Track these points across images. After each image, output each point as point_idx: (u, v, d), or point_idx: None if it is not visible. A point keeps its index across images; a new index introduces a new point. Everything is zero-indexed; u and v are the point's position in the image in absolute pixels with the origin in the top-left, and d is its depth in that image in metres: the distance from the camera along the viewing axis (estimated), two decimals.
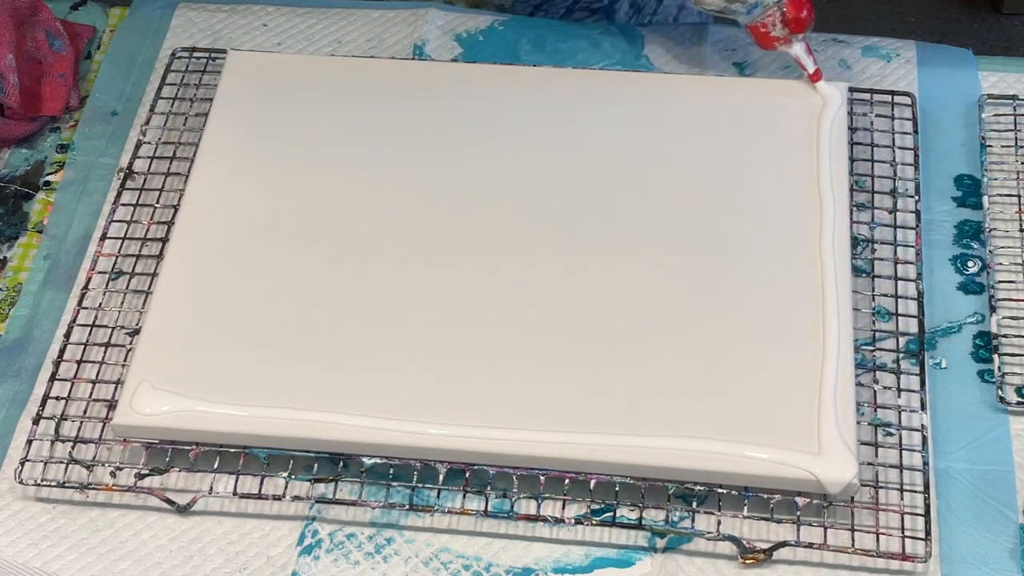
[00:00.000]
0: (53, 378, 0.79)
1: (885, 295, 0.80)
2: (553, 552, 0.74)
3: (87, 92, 0.95)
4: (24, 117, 0.91)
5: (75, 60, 0.94)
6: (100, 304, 0.82)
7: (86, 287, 0.82)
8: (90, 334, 0.81)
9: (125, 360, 0.79)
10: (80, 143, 0.92)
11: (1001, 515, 0.74)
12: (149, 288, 0.82)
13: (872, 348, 0.78)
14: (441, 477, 0.74)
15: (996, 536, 0.73)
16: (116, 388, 0.78)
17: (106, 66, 0.96)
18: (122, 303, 0.82)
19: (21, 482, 0.75)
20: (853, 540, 0.72)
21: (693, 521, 0.73)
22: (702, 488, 0.73)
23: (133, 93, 0.94)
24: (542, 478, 0.74)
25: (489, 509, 0.73)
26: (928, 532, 0.71)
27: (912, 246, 0.82)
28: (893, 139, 0.87)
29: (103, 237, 0.84)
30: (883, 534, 0.72)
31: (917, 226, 0.83)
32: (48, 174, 0.91)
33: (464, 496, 0.74)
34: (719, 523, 0.73)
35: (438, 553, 0.74)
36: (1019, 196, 0.84)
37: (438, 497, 0.74)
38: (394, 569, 0.73)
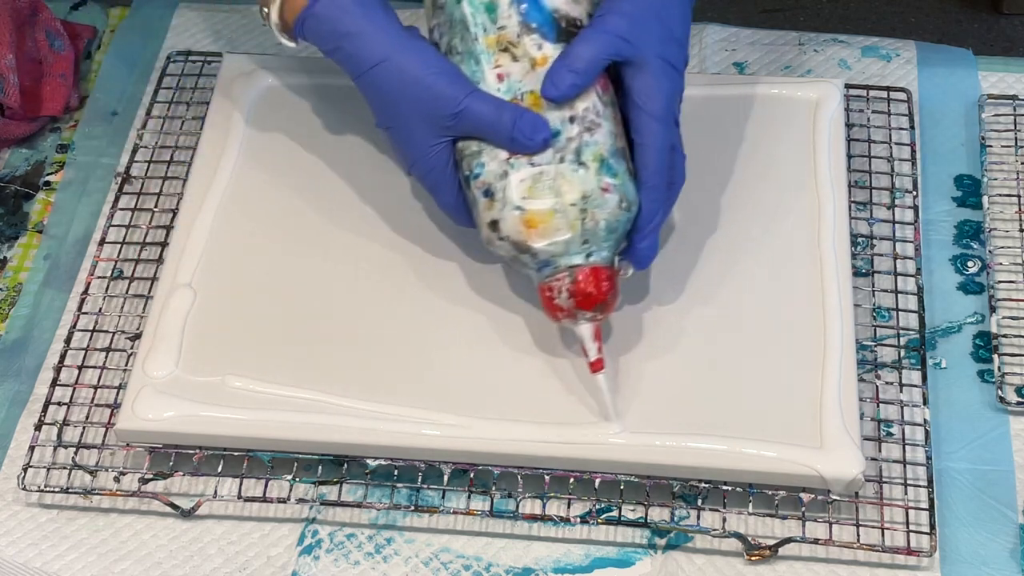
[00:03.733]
0: (54, 383, 0.79)
1: (885, 291, 0.80)
2: (553, 552, 0.74)
3: (87, 92, 0.95)
4: (24, 117, 0.91)
5: (75, 60, 0.94)
6: (100, 309, 0.82)
7: (86, 292, 0.82)
8: (91, 339, 0.81)
9: (127, 365, 0.79)
10: (80, 143, 0.92)
11: (1001, 515, 0.74)
12: (149, 292, 0.82)
13: (873, 345, 0.78)
14: (445, 478, 0.74)
15: (996, 536, 0.73)
16: (118, 393, 0.78)
17: (106, 66, 0.95)
18: (122, 307, 0.82)
19: (24, 488, 0.75)
20: (858, 535, 0.72)
21: (699, 519, 0.73)
22: (707, 485, 0.73)
23: (133, 93, 0.94)
24: (547, 477, 0.74)
25: (493, 509, 0.73)
26: (933, 526, 0.72)
27: (911, 242, 0.82)
28: (890, 135, 0.87)
29: (102, 241, 0.84)
30: (888, 529, 0.72)
31: (916, 222, 0.83)
32: (48, 174, 0.91)
33: (468, 496, 0.74)
34: (724, 520, 0.73)
35: (438, 553, 0.74)
36: (1019, 196, 0.85)
37: (442, 498, 0.74)
38: (394, 569, 0.73)
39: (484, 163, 0.71)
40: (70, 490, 0.75)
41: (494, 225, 0.71)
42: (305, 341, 0.77)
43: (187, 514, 0.75)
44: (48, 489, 0.75)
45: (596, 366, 0.72)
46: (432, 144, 0.72)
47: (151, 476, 0.75)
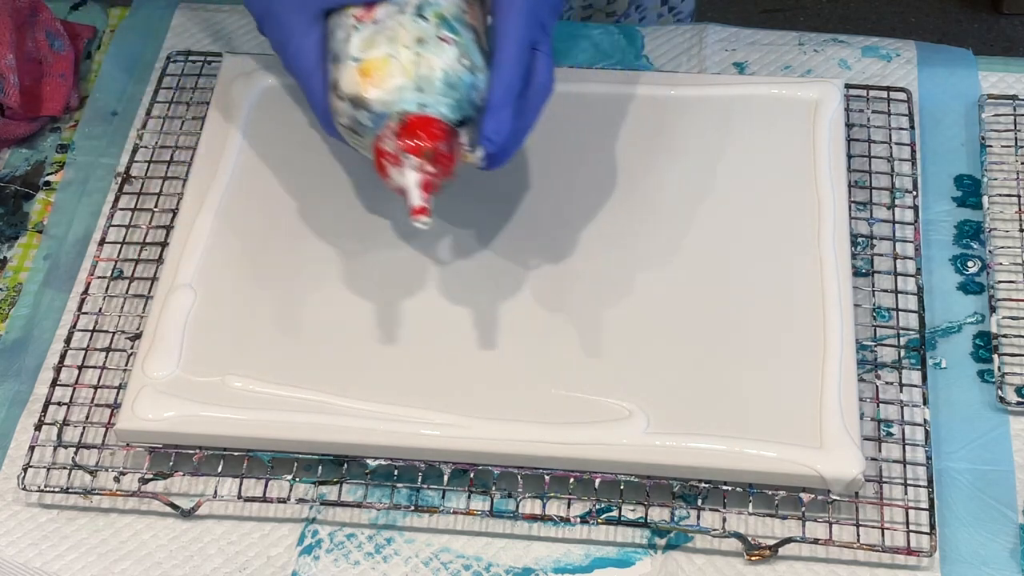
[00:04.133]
0: (54, 383, 0.79)
1: (885, 291, 0.80)
2: (553, 552, 0.74)
3: (87, 92, 0.95)
4: (24, 117, 0.91)
5: (75, 60, 0.94)
6: (100, 309, 0.82)
7: (85, 292, 0.82)
8: (91, 339, 0.81)
9: (127, 365, 0.79)
10: (80, 143, 0.92)
11: (1001, 515, 0.74)
12: (149, 292, 0.82)
13: (873, 345, 0.78)
14: (445, 478, 0.74)
15: (996, 536, 0.73)
16: (118, 393, 0.78)
17: (106, 66, 0.95)
18: (122, 307, 0.82)
19: (24, 488, 0.75)
20: (858, 535, 0.72)
21: (699, 519, 0.73)
22: (707, 485, 0.73)
23: (133, 93, 0.94)
24: (547, 477, 0.74)
25: (493, 509, 0.73)
26: (933, 526, 0.72)
27: (911, 242, 0.82)
28: (890, 135, 0.87)
29: (102, 241, 0.84)
30: (888, 529, 0.72)
31: (916, 222, 0.83)
32: (48, 174, 0.91)
33: (468, 496, 0.74)
34: (724, 520, 0.73)
35: (438, 553, 0.74)
36: (1019, 196, 0.85)
37: (442, 498, 0.74)
38: (394, 569, 0.73)
39: (337, 36, 0.71)
40: (70, 490, 0.75)
41: (335, 87, 0.70)
42: (305, 341, 0.77)
43: (187, 514, 0.75)
44: (48, 489, 0.75)
45: (418, 212, 0.68)
46: (297, 24, 0.71)
47: (151, 476, 0.75)
